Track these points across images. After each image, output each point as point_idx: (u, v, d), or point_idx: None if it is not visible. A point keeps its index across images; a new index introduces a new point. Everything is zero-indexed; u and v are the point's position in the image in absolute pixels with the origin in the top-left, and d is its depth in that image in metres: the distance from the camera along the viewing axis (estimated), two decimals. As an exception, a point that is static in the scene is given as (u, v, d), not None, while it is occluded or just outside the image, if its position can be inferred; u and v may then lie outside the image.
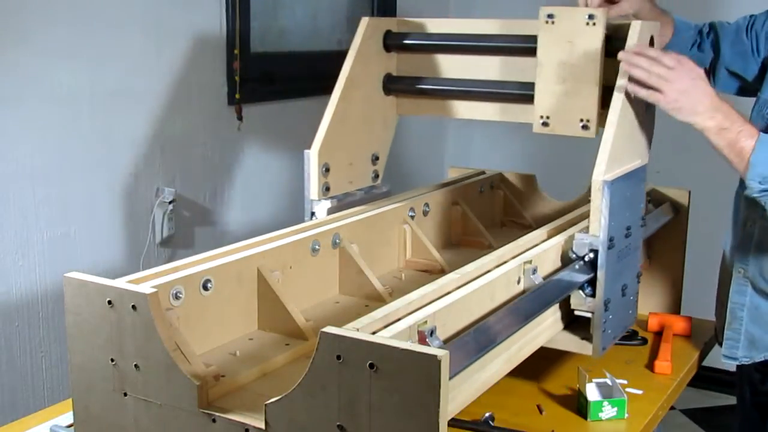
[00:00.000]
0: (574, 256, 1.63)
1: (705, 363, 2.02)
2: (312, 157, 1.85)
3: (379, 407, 1.05)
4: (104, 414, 1.29)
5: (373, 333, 1.16)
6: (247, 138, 3.09)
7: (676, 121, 1.64)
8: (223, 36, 2.94)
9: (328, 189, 1.89)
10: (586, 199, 2.13)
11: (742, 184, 1.70)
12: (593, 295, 1.62)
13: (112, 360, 1.26)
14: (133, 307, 1.21)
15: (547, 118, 1.83)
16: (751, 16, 1.94)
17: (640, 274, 1.82)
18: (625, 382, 1.75)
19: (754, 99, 1.89)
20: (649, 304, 2.11)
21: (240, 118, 3.02)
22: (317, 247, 1.66)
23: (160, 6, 2.70)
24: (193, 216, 2.92)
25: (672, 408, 2.43)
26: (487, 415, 1.58)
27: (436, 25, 2.01)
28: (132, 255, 2.72)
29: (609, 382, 1.69)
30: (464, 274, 1.43)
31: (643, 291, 1.87)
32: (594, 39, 1.75)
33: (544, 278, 1.56)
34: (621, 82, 1.65)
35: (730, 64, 1.96)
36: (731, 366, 1.90)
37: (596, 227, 1.60)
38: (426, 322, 1.22)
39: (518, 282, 1.50)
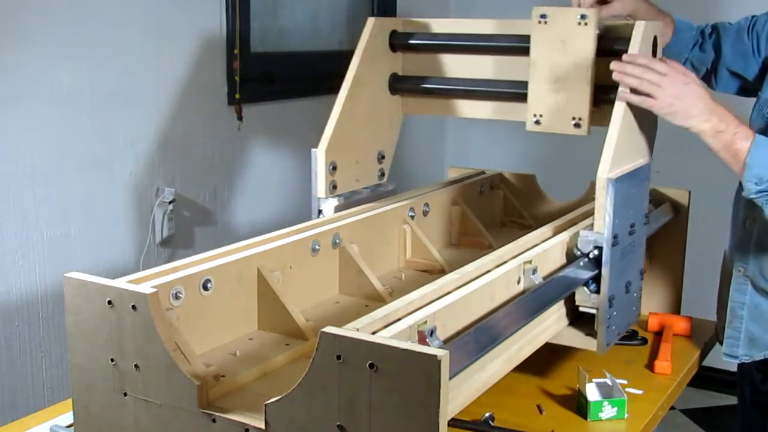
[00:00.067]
0: (578, 252, 1.65)
1: (705, 363, 2.02)
2: (319, 155, 1.86)
3: (379, 407, 1.05)
4: (104, 414, 1.29)
5: (373, 333, 1.16)
6: (247, 138, 3.09)
7: (675, 122, 1.65)
8: (223, 36, 2.94)
9: (335, 187, 1.90)
10: (586, 199, 2.15)
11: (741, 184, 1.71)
12: (598, 292, 1.65)
13: (112, 360, 1.26)
14: (133, 307, 1.21)
15: (540, 116, 1.85)
16: (752, 16, 1.95)
17: (644, 272, 1.84)
18: (625, 382, 1.75)
19: (754, 99, 1.90)
20: (649, 304, 2.11)
21: (240, 118, 3.02)
22: (317, 247, 1.66)
23: (160, 6, 2.70)
24: (193, 216, 2.92)
25: (672, 408, 2.43)
26: (487, 415, 1.58)
27: (442, 26, 2.02)
28: (132, 255, 2.72)
29: (609, 382, 1.69)
30: (464, 274, 1.43)
31: (643, 291, 1.87)
32: (586, 39, 1.77)
33: (546, 277, 1.56)
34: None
35: (731, 64, 1.97)
36: (732, 365, 1.90)
37: (601, 224, 1.62)
38: (426, 322, 1.22)
39: (518, 282, 1.50)
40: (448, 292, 1.35)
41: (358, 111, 1.95)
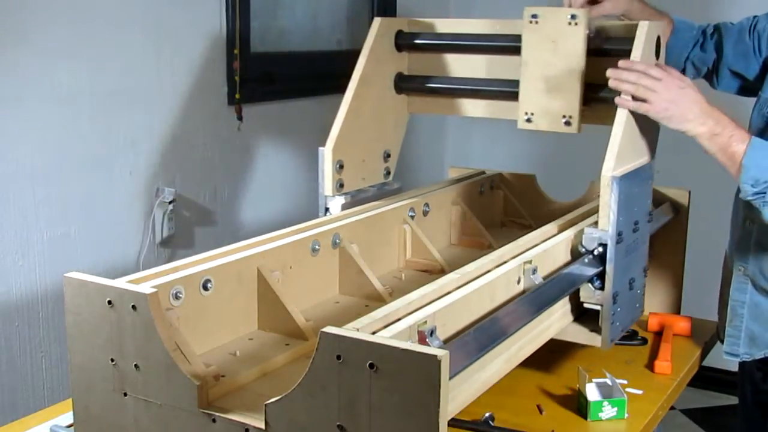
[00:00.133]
0: (583, 250, 1.67)
1: (705, 363, 2.02)
2: (327, 154, 1.87)
3: (379, 407, 1.05)
4: (104, 414, 1.29)
5: (373, 333, 1.16)
6: (247, 138, 3.09)
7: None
8: (223, 36, 2.94)
9: (341, 185, 1.91)
10: (585, 199, 2.15)
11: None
12: (602, 289, 1.66)
13: (112, 360, 1.26)
14: (133, 307, 1.21)
15: (531, 114, 1.88)
16: (754, 17, 1.96)
17: (647, 269, 1.85)
18: (625, 382, 1.75)
19: (754, 99, 1.90)
20: (649, 304, 2.11)
21: (240, 118, 3.02)
22: (317, 247, 1.66)
23: (160, 6, 2.70)
24: (193, 216, 2.92)
25: (672, 408, 2.43)
26: (487, 415, 1.58)
27: (447, 26, 2.04)
28: (132, 255, 2.72)
29: (609, 382, 1.69)
30: (464, 274, 1.43)
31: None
32: (576, 38, 1.80)
33: (548, 275, 1.57)
34: None
35: (732, 64, 1.98)
36: (732, 365, 1.91)
37: (605, 222, 1.63)
38: (426, 322, 1.22)
39: (518, 282, 1.50)
40: (448, 292, 1.35)
41: (365, 110, 1.96)
